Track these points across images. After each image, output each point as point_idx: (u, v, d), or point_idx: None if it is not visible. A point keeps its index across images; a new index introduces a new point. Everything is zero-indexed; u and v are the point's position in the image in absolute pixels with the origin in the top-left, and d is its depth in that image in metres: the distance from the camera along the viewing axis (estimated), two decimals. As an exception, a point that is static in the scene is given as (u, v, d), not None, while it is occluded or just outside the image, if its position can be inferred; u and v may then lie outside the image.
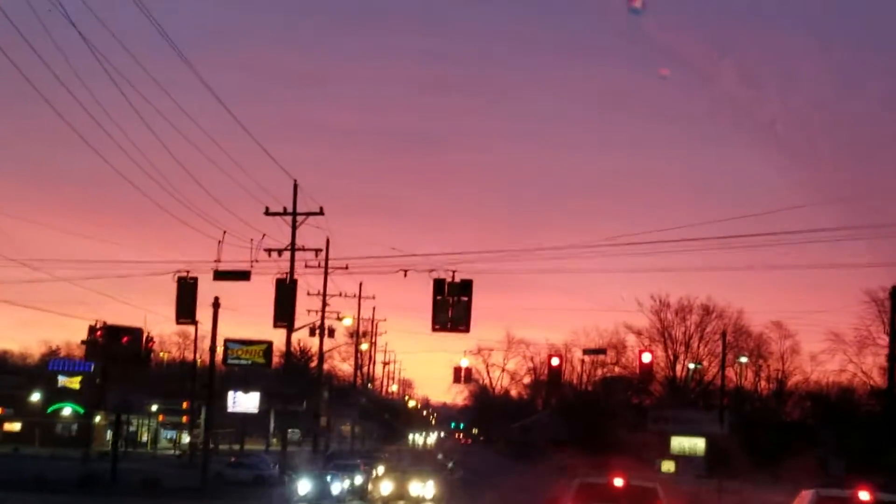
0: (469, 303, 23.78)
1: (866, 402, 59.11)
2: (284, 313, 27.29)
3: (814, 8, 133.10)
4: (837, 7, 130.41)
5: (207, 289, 33.47)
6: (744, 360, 64.85)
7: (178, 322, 30.00)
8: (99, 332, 34.86)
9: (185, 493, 42.27)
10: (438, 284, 23.51)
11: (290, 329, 36.72)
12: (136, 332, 40.77)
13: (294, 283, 28.01)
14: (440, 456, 69.76)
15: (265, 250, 32.08)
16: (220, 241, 28.92)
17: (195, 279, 27.91)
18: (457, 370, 55.66)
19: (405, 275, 25.96)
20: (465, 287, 23.79)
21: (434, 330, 24.58)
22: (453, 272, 23.84)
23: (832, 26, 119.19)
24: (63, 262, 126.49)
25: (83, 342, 40.85)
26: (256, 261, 30.15)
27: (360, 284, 62.01)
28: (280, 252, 35.98)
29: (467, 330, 24.66)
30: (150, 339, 42.67)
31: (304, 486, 40.05)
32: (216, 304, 38.20)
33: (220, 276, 28.54)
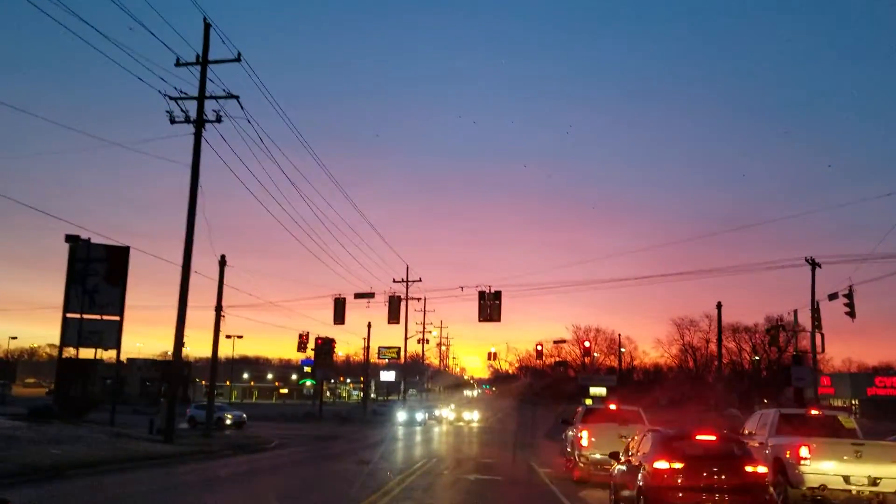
0: (499, 304, 30.31)
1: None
2: (393, 316, 35.50)
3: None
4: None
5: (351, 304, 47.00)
6: (623, 350, 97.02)
7: (335, 324, 37.14)
8: (305, 338, 47.77)
9: (355, 420, 56.21)
10: (481, 294, 31.09)
11: (405, 329, 54.61)
12: (329, 340, 56.53)
13: (399, 298, 36.31)
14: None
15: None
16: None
17: (344, 298, 36.19)
18: (490, 354, 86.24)
19: (462, 290, 33.33)
20: (497, 295, 30.43)
21: (480, 321, 31.07)
22: (489, 286, 30.80)
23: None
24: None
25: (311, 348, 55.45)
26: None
27: (441, 322, 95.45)
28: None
29: (499, 321, 30.94)
30: (333, 341, 56.83)
31: (400, 415, 53.59)
32: (369, 326, 59.53)
33: (358, 296, 36.85)
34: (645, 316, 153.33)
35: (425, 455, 25.98)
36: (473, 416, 60.36)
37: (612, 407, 20.14)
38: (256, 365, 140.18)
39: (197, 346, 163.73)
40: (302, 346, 48.67)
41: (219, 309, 37.34)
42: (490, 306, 30.00)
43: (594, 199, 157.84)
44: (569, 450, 20.04)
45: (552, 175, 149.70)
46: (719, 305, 45.00)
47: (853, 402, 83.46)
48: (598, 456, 17.70)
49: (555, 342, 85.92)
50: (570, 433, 20.03)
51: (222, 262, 37.49)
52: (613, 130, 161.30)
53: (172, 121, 30.47)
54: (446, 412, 61.65)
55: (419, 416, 53.86)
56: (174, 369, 29.74)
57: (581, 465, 17.95)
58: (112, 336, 36.42)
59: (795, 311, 35.80)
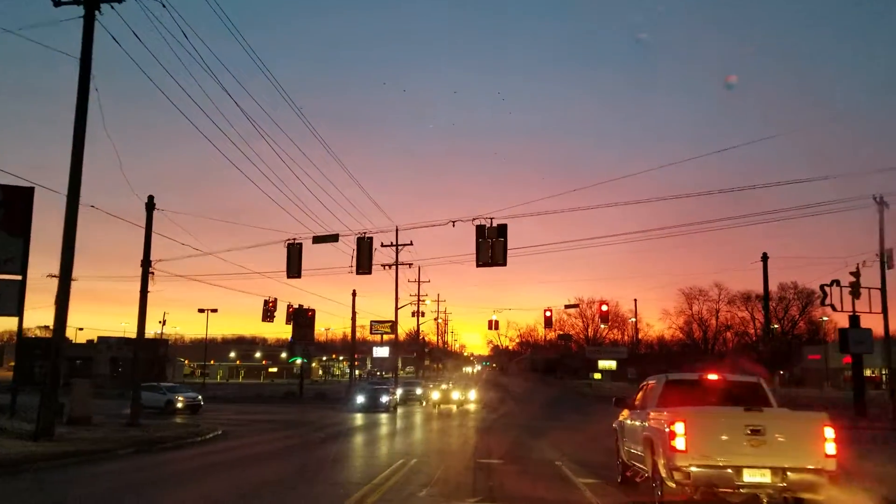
0: (505, 242, 22.32)
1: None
2: (363, 265, 26.22)
3: None
4: None
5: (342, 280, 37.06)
6: (632, 319, 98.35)
7: (289, 277, 27.42)
8: (272, 305, 38.72)
9: (336, 401, 46.95)
10: (480, 229, 22.52)
11: (396, 298, 49.10)
12: (305, 309, 49.50)
13: (371, 239, 27.21)
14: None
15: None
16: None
17: (300, 244, 26.71)
18: (490, 322, 73.24)
19: (454, 224, 24.68)
20: (502, 230, 22.51)
21: (478, 266, 22.98)
22: (491, 219, 22.64)
23: None
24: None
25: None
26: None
27: (438, 296, 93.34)
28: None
29: (504, 264, 22.69)
30: (311, 311, 49.43)
31: (359, 398, 39.90)
32: (354, 294, 42.70)
33: (317, 240, 27.37)
34: (648, 288, 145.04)
35: (402, 453, 17.50)
36: (469, 396, 49.20)
37: (713, 377, 10.85)
38: (252, 344, 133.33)
39: (185, 326, 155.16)
40: (268, 314, 39.82)
41: (146, 263, 28.86)
42: (492, 245, 21.42)
43: (592, 169, 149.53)
44: (633, 451, 11.47)
45: (497, 152, 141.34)
46: (765, 256, 36.48)
47: (883, 371, 75.55)
48: (698, 469, 9.13)
49: (566, 307, 78.10)
50: (638, 424, 11.32)
51: (150, 206, 28.98)
52: (612, 102, 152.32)
53: (58, 2, 22.02)
54: (435, 393, 47.89)
55: (384, 398, 39.72)
56: (55, 340, 21.33)
57: (672, 483, 9.36)
58: (12, 300, 27.29)
59: (886, 255, 27.24)
